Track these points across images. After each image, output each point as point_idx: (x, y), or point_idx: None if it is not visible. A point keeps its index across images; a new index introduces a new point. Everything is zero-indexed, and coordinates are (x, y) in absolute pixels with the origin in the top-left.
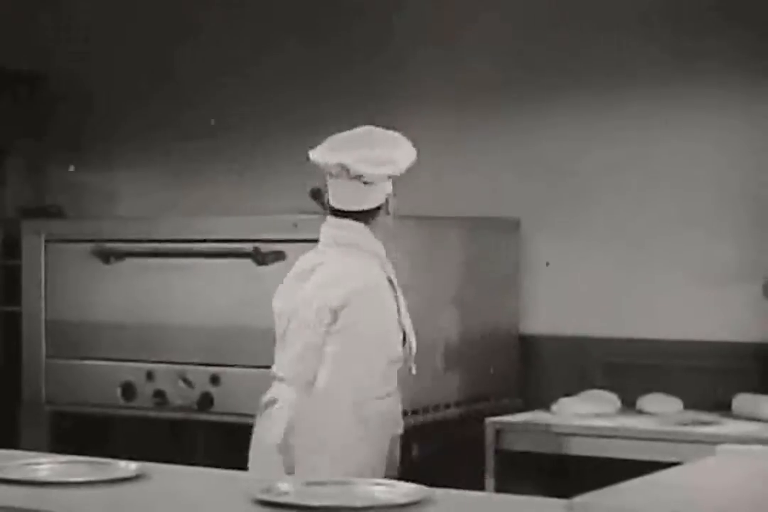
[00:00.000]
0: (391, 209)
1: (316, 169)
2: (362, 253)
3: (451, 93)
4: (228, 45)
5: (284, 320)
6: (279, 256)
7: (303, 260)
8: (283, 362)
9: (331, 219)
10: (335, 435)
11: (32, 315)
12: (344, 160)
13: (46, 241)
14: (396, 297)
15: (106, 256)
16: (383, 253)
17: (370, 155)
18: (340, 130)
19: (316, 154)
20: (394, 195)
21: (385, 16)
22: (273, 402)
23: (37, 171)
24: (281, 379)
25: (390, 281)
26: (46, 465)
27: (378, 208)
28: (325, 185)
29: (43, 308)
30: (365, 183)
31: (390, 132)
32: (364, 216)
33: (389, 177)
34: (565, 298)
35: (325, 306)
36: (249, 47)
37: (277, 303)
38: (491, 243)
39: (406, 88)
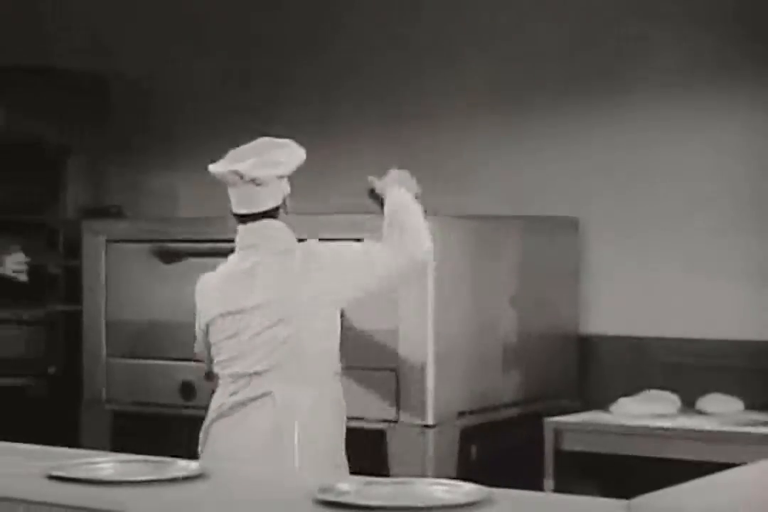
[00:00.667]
0: (289, 208)
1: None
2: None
3: (507, 91)
4: (292, 45)
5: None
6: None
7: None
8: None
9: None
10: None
11: (93, 315)
12: (237, 167)
13: (107, 242)
14: None
15: (166, 256)
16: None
17: (259, 160)
18: (394, 128)
19: (214, 166)
20: (290, 195)
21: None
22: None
23: (98, 171)
24: (258, 373)
25: None
26: (108, 464)
27: (277, 208)
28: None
29: (103, 308)
30: (259, 185)
31: (281, 139)
32: (265, 217)
33: (280, 177)
34: (624, 298)
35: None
36: (308, 49)
37: (248, 302)
38: (550, 242)
39: (462, 87)
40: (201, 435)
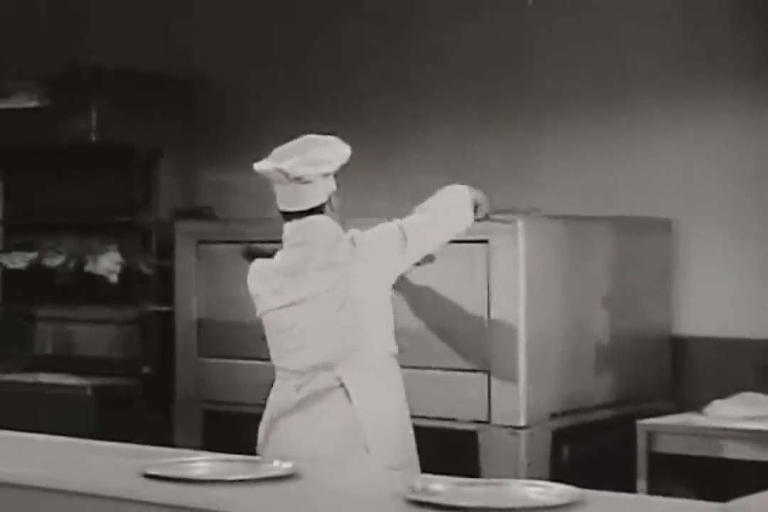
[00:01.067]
0: (335, 205)
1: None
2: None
3: (599, 91)
4: (365, 49)
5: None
6: (429, 256)
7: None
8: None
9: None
10: None
11: (185, 315)
12: (282, 165)
13: (198, 242)
14: None
15: (256, 256)
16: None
17: (304, 158)
18: (481, 127)
19: (259, 165)
20: (337, 192)
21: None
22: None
23: (189, 173)
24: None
25: None
26: (202, 463)
27: (322, 206)
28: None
29: (195, 308)
30: (304, 183)
31: (325, 137)
32: (311, 214)
33: (325, 175)
34: (717, 299)
35: None
36: (380, 52)
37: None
38: (643, 243)
39: (551, 87)
40: (261, 432)
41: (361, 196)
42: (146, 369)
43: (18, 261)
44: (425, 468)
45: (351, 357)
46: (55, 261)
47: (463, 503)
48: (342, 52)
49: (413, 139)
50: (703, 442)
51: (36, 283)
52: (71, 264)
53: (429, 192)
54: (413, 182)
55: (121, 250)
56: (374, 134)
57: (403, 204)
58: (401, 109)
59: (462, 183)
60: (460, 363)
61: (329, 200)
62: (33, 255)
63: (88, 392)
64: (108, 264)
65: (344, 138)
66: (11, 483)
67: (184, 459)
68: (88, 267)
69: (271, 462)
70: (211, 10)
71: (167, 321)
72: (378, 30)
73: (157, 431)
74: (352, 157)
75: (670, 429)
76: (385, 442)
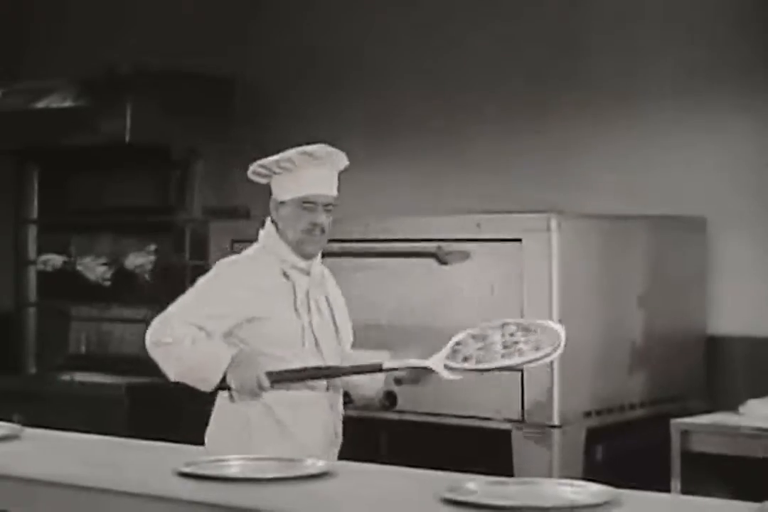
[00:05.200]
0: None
1: None
2: None
3: (632, 91)
4: (413, 48)
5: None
6: (463, 255)
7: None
8: None
9: None
10: None
11: None
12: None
13: (233, 242)
14: None
15: None
16: None
17: None
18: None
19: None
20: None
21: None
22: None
23: (225, 172)
24: None
25: None
26: (237, 462)
27: None
28: None
29: None
30: None
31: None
32: None
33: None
34: (752, 298)
35: None
36: (417, 55)
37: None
38: (677, 242)
39: (586, 87)
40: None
41: (395, 195)
42: None
43: (53, 262)
44: (458, 467)
45: None
46: (89, 261)
47: (498, 502)
48: (377, 52)
49: (447, 139)
50: (738, 442)
51: (71, 283)
52: (106, 264)
53: (462, 192)
54: (446, 181)
55: (156, 250)
56: (409, 135)
57: (435, 203)
58: (435, 109)
59: (498, 183)
60: None
61: None
62: (67, 255)
63: (123, 391)
64: (142, 263)
65: (377, 138)
66: (46, 482)
67: (219, 457)
68: (123, 267)
69: (306, 462)
70: (248, 9)
71: None
72: (417, 28)
73: (192, 430)
74: (384, 156)
75: (705, 428)
76: None
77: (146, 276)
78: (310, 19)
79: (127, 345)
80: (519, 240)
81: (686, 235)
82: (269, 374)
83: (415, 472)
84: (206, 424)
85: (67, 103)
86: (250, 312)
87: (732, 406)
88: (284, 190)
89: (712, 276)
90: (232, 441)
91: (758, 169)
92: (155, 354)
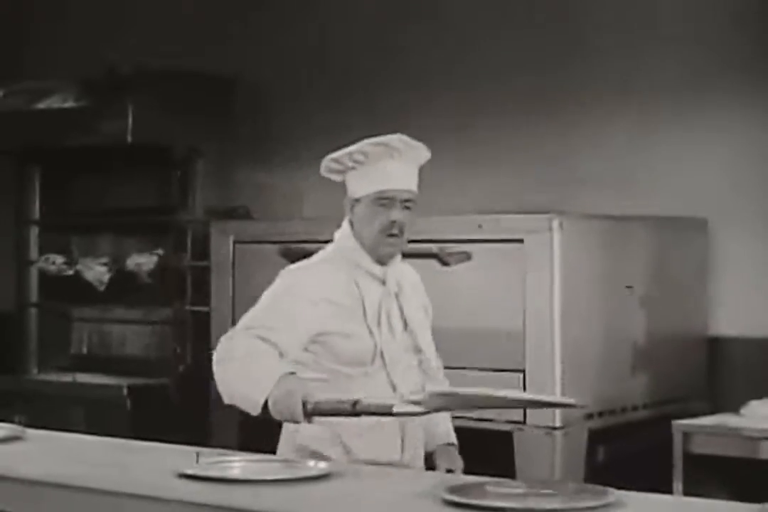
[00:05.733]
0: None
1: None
2: None
3: (637, 92)
4: (417, 52)
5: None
6: (464, 256)
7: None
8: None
9: None
10: None
11: (221, 316)
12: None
13: (235, 242)
14: None
15: (293, 257)
16: None
17: None
18: (523, 128)
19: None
20: None
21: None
22: None
23: (226, 173)
24: None
25: None
26: (238, 463)
27: None
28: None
29: (231, 308)
30: None
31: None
32: None
33: None
34: (754, 299)
35: None
36: (433, 56)
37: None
38: (679, 242)
39: (594, 87)
40: None
41: None
42: (181, 369)
43: (54, 263)
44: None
45: None
46: (90, 261)
47: (500, 503)
48: (380, 49)
49: (453, 137)
50: (740, 443)
51: (72, 283)
52: (107, 265)
53: (464, 193)
54: (447, 182)
55: (158, 250)
56: (410, 135)
57: (436, 204)
58: (441, 106)
59: (500, 183)
60: (496, 363)
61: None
62: (69, 255)
63: (124, 392)
64: (144, 264)
65: (382, 135)
66: (47, 483)
67: (220, 459)
68: (124, 268)
69: (307, 463)
70: (248, 9)
71: (203, 322)
72: (416, 26)
73: (193, 431)
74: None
75: (707, 429)
76: None
77: (148, 276)
78: (311, 18)
79: (129, 346)
80: (521, 240)
81: (688, 235)
82: (305, 405)
83: (415, 473)
84: (206, 425)
85: (68, 104)
86: (318, 327)
87: (734, 408)
88: (358, 186)
89: (713, 276)
90: None
91: (759, 169)
92: (215, 373)
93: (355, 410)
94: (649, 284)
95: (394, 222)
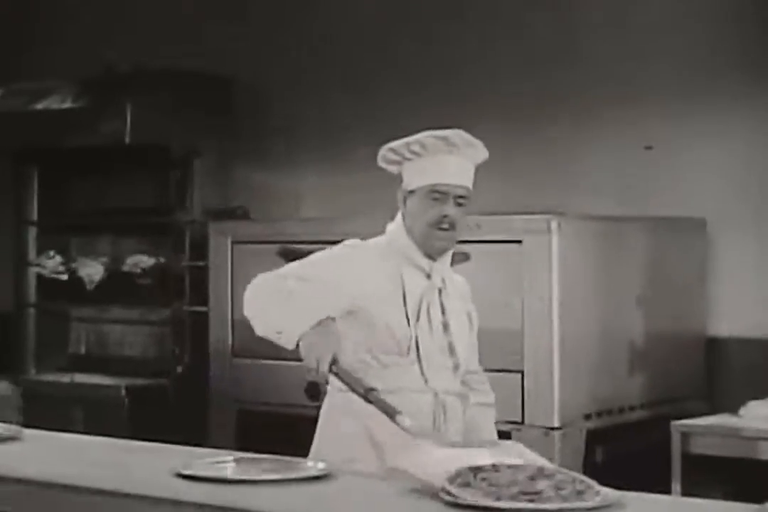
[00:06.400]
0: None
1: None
2: None
3: (633, 91)
4: (416, 54)
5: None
6: (463, 256)
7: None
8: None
9: None
10: None
11: (219, 316)
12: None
13: (233, 242)
14: None
15: (292, 257)
16: None
17: None
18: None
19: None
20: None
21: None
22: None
23: (224, 173)
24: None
25: None
26: (235, 463)
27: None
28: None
29: (229, 308)
30: None
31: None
32: None
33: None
34: (752, 299)
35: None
36: (431, 57)
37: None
38: (677, 243)
39: (582, 86)
40: None
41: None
42: (180, 370)
43: (52, 263)
44: None
45: None
46: (89, 261)
47: (500, 504)
48: (380, 51)
49: None
50: (738, 443)
51: (70, 284)
52: (105, 265)
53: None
54: None
55: (156, 251)
56: (412, 132)
57: None
58: (440, 108)
59: (499, 184)
60: (494, 363)
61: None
62: (67, 256)
63: (122, 392)
64: (142, 264)
65: (377, 138)
66: (46, 483)
67: (218, 459)
68: (123, 268)
69: (305, 463)
70: (246, 9)
71: (201, 322)
72: (416, 27)
73: (191, 431)
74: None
75: (705, 430)
76: None
77: (146, 277)
78: (310, 18)
79: (127, 346)
80: (519, 241)
81: (686, 236)
82: (334, 362)
83: (417, 473)
84: (204, 426)
85: (67, 104)
86: (355, 301)
87: (732, 408)
88: (413, 177)
89: (712, 277)
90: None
91: (758, 170)
92: (249, 302)
93: (365, 395)
94: (648, 285)
95: (445, 216)
